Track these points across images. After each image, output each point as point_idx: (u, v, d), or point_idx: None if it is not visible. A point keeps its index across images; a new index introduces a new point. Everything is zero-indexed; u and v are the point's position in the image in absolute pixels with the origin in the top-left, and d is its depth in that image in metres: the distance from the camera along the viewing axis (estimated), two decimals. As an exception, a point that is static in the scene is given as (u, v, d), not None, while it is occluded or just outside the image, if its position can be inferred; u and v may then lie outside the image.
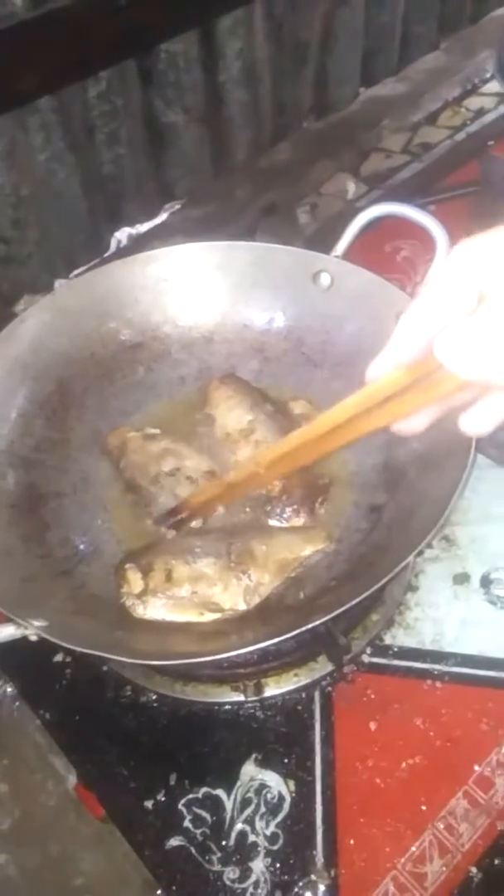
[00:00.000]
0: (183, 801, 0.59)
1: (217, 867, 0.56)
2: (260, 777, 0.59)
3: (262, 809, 0.58)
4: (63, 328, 0.70)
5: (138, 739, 0.62)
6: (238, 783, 0.59)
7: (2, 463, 0.62)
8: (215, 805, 0.58)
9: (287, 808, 0.58)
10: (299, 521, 0.62)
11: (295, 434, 0.55)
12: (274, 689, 0.63)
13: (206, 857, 0.56)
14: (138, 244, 1.05)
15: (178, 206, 1.11)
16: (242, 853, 0.56)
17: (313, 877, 0.55)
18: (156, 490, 0.63)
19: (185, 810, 0.58)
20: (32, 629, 0.48)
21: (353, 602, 0.49)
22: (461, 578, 0.68)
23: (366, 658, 0.64)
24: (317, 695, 0.63)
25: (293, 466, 0.59)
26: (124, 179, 0.99)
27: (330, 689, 0.63)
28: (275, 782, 0.59)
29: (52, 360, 0.69)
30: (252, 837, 0.57)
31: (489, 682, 0.62)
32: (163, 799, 0.59)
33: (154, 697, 0.64)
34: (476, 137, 1.16)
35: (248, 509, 0.63)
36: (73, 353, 0.70)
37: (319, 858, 0.56)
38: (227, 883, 0.55)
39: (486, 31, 1.35)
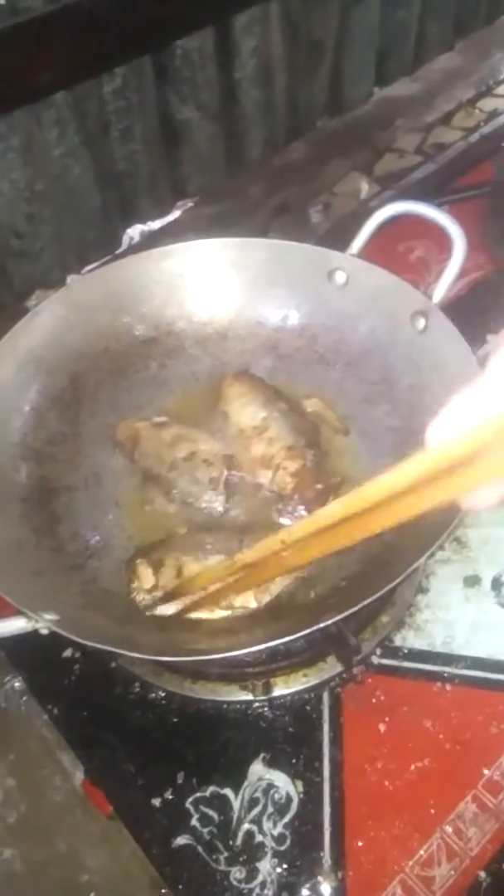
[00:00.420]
0: (190, 799, 0.58)
1: (224, 867, 0.55)
2: (268, 777, 0.59)
3: (270, 809, 0.58)
4: (77, 323, 0.70)
5: (146, 737, 0.62)
6: (246, 783, 0.59)
7: (14, 456, 0.62)
8: (223, 804, 0.58)
9: (295, 808, 0.58)
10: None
11: (333, 507, 0.41)
12: (282, 688, 0.62)
13: (213, 857, 0.56)
14: (150, 241, 1.05)
15: (190, 204, 1.10)
16: (249, 853, 0.56)
17: (320, 878, 0.55)
18: (174, 476, 0.63)
19: (192, 809, 0.58)
20: (44, 623, 0.47)
21: (365, 603, 0.48)
22: (472, 581, 0.68)
23: (375, 659, 0.64)
24: (325, 695, 0.62)
25: (327, 549, 0.45)
26: (138, 176, 0.99)
27: (339, 689, 0.63)
28: (283, 782, 0.59)
29: (65, 355, 0.69)
30: (259, 837, 0.56)
31: (499, 685, 0.62)
32: (170, 797, 0.59)
33: (163, 695, 0.63)
34: (490, 139, 1.16)
35: (259, 507, 0.63)
36: (86, 347, 0.70)
37: (327, 860, 0.55)
38: (234, 883, 0.55)
39: (501, 32, 1.35)
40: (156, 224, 1.08)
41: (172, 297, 0.73)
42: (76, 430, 0.68)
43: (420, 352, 0.64)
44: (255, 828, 0.57)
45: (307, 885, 0.54)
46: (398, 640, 0.65)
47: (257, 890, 0.54)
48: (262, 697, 0.62)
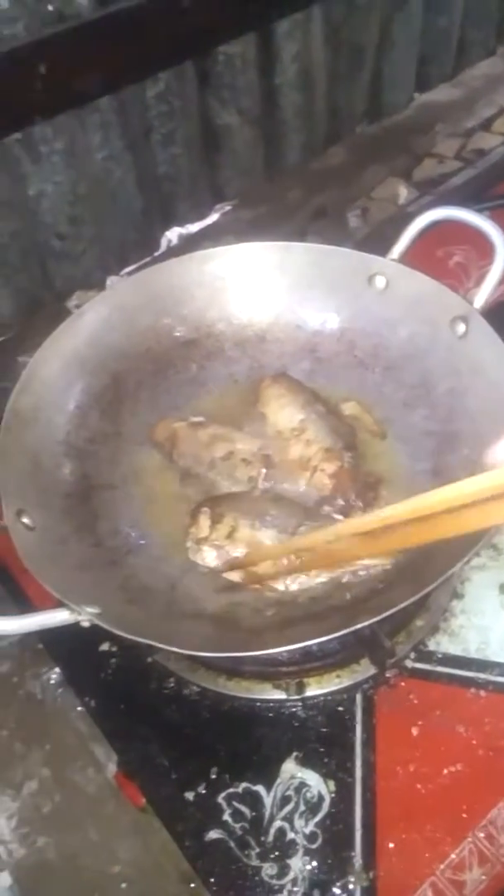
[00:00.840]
0: (223, 794, 0.59)
1: (255, 862, 0.56)
2: (300, 775, 0.59)
3: (302, 808, 0.58)
4: (119, 323, 0.71)
5: (180, 731, 0.63)
6: (278, 780, 0.59)
7: (58, 453, 0.63)
8: (255, 801, 0.59)
9: (326, 807, 0.58)
10: (355, 515, 0.62)
11: (398, 507, 0.43)
12: (316, 688, 0.63)
13: (245, 852, 0.56)
14: (188, 244, 1.06)
15: (228, 207, 1.12)
16: (281, 850, 0.56)
17: (351, 877, 0.55)
18: (214, 476, 0.64)
19: (224, 804, 0.59)
20: (86, 615, 0.48)
21: (400, 606, 0.49)
22: (508, 588, 0.68)
23: (409, 663, 0.64)
24: (358, 697, 0.63)
25: (381, 551, 0.48)
26: (178, 179, 1.00)
27: (372, 692, 0.63)
28: (315, 781, 0.59)
29: (107, 355, 0.70)
30: (291, 835, 0.57)
31: (534, 693, 0.62)
32: (203, 791, 0.59)
33: (197, 690, 0.64)
34: (531, 145, 1.16)
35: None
36: (128, 348, 0.71)
37: (358, 860, 0.55)
38: (266, 878, 0.55)
39: (543, 38, 1.34)
40: (194, 227, 1.09)
41: (213, 299, 0.74)
42: (117, 430, 0.69)
43: (459, 357, 0.64)
44: (286, 825, 0.57)
45: (338, 884, 0.55)
46: (432, 645, 0.65)
47: (289, 886, 0.55)
48: (296, 697, 0.62)
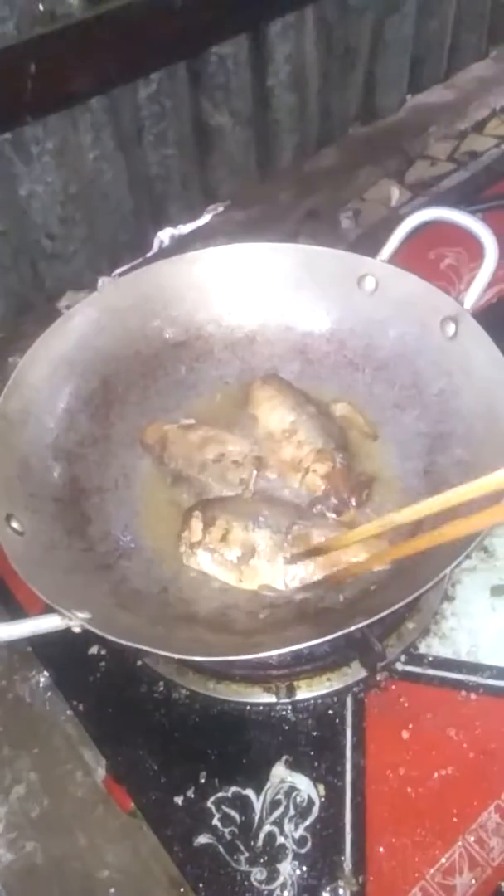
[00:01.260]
0: (212, 798, 0.59)
1: (245, 867, 0.56)
2: (290, 779, 0.59)
3: (291, 812, 0.58)
4: (109, 326, 0.70)
5: (170, 735, 0.62)
6: (268, 784, 0.59)
7: (48, 457, 0.63)
8: (244, 805, 0.58)
9: (316, 812, 0.58)
10: (348, 513, 0.62)
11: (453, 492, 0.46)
12: (306, 692, 0.62)
13: (234, 857, 0.56)
14: (180, 245, 1.06)
15: (220, 209, 1.11)
16: (270, 854, 0.56)
17: (341, 882, 0.55)
18: (205, 478, 0.64)
19: (214, 808, 0.58)
20: (77, 621, 0.48)
21: (394, 608, 0.48)
22: (499, 590, 0.68)
23: (400, 666, 0.64)
24: (349, 700, 0.62)
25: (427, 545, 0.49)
26: (170, 180, 1.00)
27: (362, 695, 0.63)
28: (304, 785, 0.59)
29: (96, 357, 0.70)
30: (280, 839, 0.57)
31: (525, 696, 0.62)
32: (192, 796, 0.59)
33: (186, 694, 0.64)
34: (523, 147, 1.16)
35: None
36: (117, 350, 0.71)
37: (347, 864, 0.55)
38: (255, 883, 0.55)
39: (536, 40, 1.34)
40: (186, 228, 1.09)
41: (203, 301, 0.74)
42: (106, 433, 0.69)
43: (450, 357, 0.64)
44: (276, 829, 0.57)
45: (328, 889, 0.54)
46: (423, 648, 0.65)
47: (278, 891, 0.54)
48: (286, 700, 0.62)
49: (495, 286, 0.67)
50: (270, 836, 0.57)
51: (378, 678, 0.63)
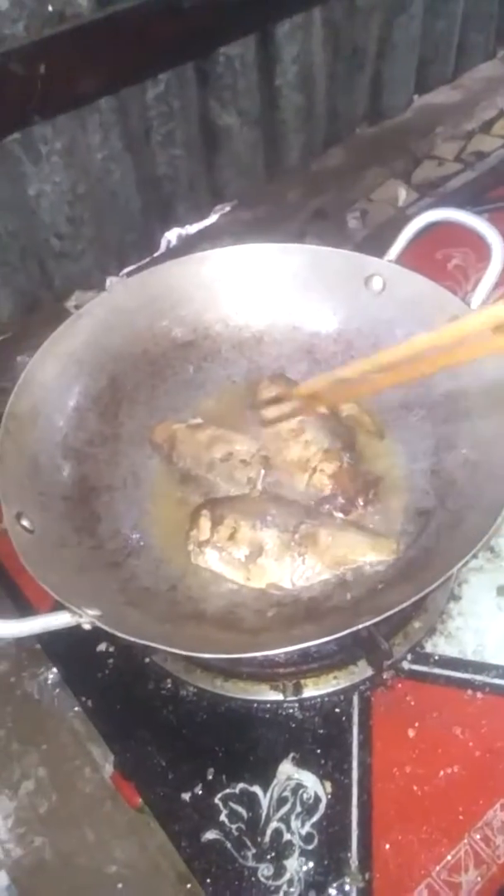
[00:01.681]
0: (220, 795, 0.59)
1: (252, 863, 0.56)
2: (297, 776, 0.60)
3: (298, 809, 0.58)
4: (117, 325, 0.71)
5: (177, 732, 0.63)
6: (275, 781, 0.60)
7: (57, 455, 0.64)
8: (251, 801, 0.59)
9: (323, 809, 0.58)
10: (355, 512, 0.63)
11: (420, 338, 0.52)
12: (313, 690, 0.63)
13: (241, 853, 0.57)
14: (188, 245, 1.06)
15: (227, 208, 1.12)
16: (277, 851, 0.56)
17: (347, 879, 0.55)
18: (213, 477, 0.65)
19: (221, 805, 0.59)
20: (87, 618, 0.48)
21: (402, 606, 0.49)
22: (505, 590, 0.68)
23: (406, 665, 0.64)
24: (355, 698, 0.63)
25: (411, 376, 0.55)
26: (178, 180, 1.00)
27: (368, 693, 0.63)
28: (311, 783, 0.59)
29: (105, 357, 0.70)
30: (287, 836, 0.57)
31: (531, 695, 0.62)
32: (200, 792, 0.60)
33: (194, 691, 0.64)
34: (531, 147, 1.16)
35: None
36: (125, 349, 0.72)
37: (354, 861, 0.56)
38: (262, 879, 0.55)
39: (544, 41, 1.34)
40: (193, 228, 1.09)
41: (211, 301, 0.74)
42: (115, 431, 0.69)
43: (457, 359, 0.64)
44: (283, 826, 0.57)
45: (334, 885, 0.55)
46: (429, 647, 0.65)
47: (284, 887, 0.55)
48: (293, 698, 0.62)
49: (502, 286, 0.68)
50: (277, 833, 0.57)
51: (385, 677, 0.63)
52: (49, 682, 0.69)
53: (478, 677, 0.63)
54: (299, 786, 0.59)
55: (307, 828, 0.57)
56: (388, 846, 0.56)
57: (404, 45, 1.14)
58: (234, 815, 0.58)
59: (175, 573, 0.61)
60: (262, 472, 0.64)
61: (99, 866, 0.60)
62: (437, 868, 0.55)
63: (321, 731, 0.62)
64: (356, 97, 1.14)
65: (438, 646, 0.65)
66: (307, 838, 0.57)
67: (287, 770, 0.60)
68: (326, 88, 1.08)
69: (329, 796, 0.59)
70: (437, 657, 0.65)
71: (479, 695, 0.62)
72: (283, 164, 1.11)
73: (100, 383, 0.70)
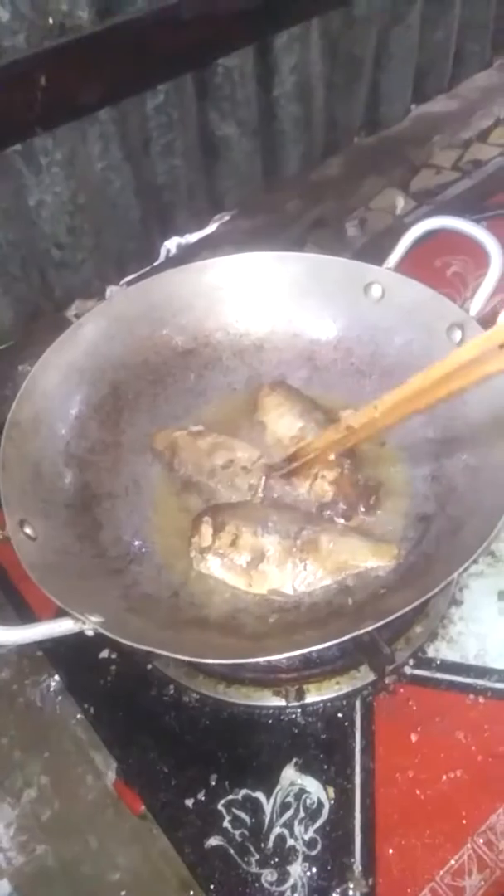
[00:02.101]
0: (223, 801, 0.59)
1: (255, 869, 0.56)
2: (300, 782, 0.60)
3: (301, 814, 0.58)
4: (118, 334, 0.71)
5: (180, 738, 0.63)
6: (278, 787, 0.60)
7: (59, 463, 0.64)
8: (255, 807, 0.59)
9: (326, 814, 0.58)
10: (356, 518, 0.63)
11: (413, 380, 0.55)
12: (315, 695, 0.63)
13: (245, 859, 0.57)
14: (187, 254, 1.07)
15: (227, 218, 1.12)
16: (281, 856, 0.56)
17: (351, 884, 0.55)
18: (215, 484, 0.65)
19: (224, 811, 0.59)
20: (90, 624, 0.49)
21: (402, 612, 0.49)
22: (506, 594, 0.68)
23: (408, 670, 0.64)
24: (358, 704, 0.63)
25: (408, 412, 0.58)
26: (177, 190, 1.01)
27: (371, 698, 0.63)
28: (314, 788, 0.59)
29: (106, 365, 0.71)
30: (290, 841, 0.57)
31: (533, 699, 0.62)
32: (203, 798, 0.60)
33: (196, 697, 0.64)
34: (527, 155, 1.17)
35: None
36: (126, 358, 0.72)
37: (357, 866, 0.56)
38: (265, 885, 0.55)
39: (539, 50, 1.35)
40: (193, 237, 1.10)
41: (211, 309, 0.75)
42: (117, 439, 0.70)
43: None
44: (286, 832, 0.57)
45: (338, 890, 0.55)
46: (431, 652, 0.65)
47: (288, 893, 0.55)
48: (295, 704, 0.62)
49: (500, 293, 0.68)
50: (280, 839, 0.57)
51: (387, 682, 0.63)
52: (51, 689, 0.69)
53: (480, 682, 0.63)
54: (302, 791, 0.59)
55: (310, 833, 0.57)
56: (391, 851, 0.56)
57: (401, 55, 1.15)
58: (237, 821, 0.58)
59: (177, 579, 0.62)
60: (264, 478, 0.65)
61: (101, 874, 0.60)
62: (441, 872, 0.55)
63: (324, 737, 0.62)
64: (354, 107, 1.15)
65: (440, 650, 0.65)
66: (310, 844, 0.57)
67: (290, 775, 0.60)
68: (324, 98, 1.09)
69: (332, 801, 0.59)
70: (438, 662, 0.65)
71: (481, 699, 0.62)
72: (282, 174, 1.12)
73: (101, 391, 0.70)
